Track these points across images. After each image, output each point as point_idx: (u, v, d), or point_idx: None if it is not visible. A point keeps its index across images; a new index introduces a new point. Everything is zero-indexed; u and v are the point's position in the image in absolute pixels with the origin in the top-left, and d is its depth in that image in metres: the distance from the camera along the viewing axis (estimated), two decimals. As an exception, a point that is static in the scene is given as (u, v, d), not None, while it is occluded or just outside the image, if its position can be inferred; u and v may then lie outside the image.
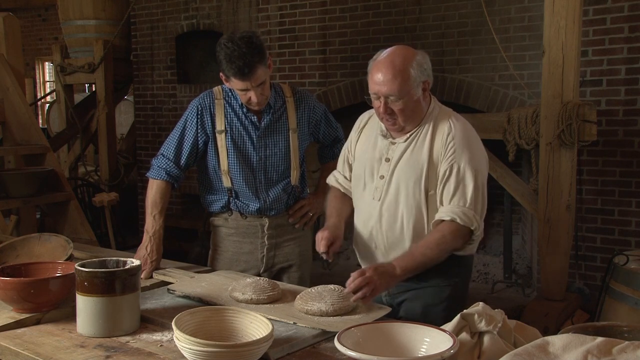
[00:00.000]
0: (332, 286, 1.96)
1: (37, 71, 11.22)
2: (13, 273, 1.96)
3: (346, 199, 2.38)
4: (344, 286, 1.95)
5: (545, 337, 1.36)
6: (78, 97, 7.24)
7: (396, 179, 2.13)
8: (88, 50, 6.40)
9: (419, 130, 2.13)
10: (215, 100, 2.58)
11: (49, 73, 11.30)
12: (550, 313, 3.68)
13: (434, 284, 2.16)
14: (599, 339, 1.30)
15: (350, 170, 2.36)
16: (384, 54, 2.09)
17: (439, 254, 2.04)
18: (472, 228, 2.05)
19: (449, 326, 1.52)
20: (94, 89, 6.76)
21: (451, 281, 2.19)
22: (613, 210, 4.25)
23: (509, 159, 3.97)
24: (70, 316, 1.87)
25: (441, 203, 2.09)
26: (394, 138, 2.17)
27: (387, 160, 2.17)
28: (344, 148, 2.42)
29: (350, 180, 2.36)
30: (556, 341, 1.32)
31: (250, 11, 5.65)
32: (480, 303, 1.55)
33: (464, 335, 1.49)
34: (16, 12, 8.23)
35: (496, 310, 1.54)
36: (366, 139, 2.28)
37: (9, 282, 1.85)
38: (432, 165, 2.09)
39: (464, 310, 1.53)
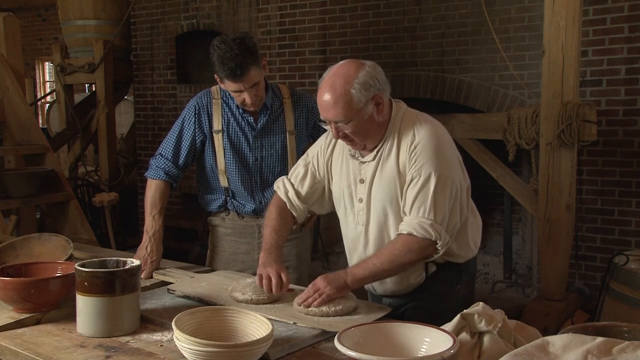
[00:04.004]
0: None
1: (37, 71, 11.22)
2: (13, 273, 1.96)
3: (287, 221, 2.22)
4: None
5: (545, 337, 1.35)
6: (78, 97, 7.24)
7: (374, 200, 2.05)
8: (88, 50, 6.41)
9: (384, 145, 2.03)
10: (213, 100, 2.58)
11: (49, 73, 11.29)
12: (550, 313, 3.68)
13: (435, 292, 2.13)
14: (599, 339, 1.30)
15: (310, 187, 2.21)
16: (327, 73, 1.97)
17: (390, 266, 1.96)
18: (432, 240, 1.94)
19: (449, 326, 1.52)
20: (94, 89, 6.76)
21: (454, 288, 2.16)
22: (613, 210, 4.25)
23: (509, 159, 3.97)
24: (70, 316, 1.87)
25: (404, 213, 2.00)
26: (362, 157, 2.07)
27: (362, 181, 2.07)
28: (303, 160, 2.26)
29: (301, 199, 2.22)
30: (556, 341, 1.32)
31: (250, 11, 5.65)
32: (480, 303, 1.55)
33: (464, 335, 1.49)
34: (16, 12, 8.24)
35: (496, 310, 1.54)
36: (337, 158, 2.17)
37: (9, 282, 1.85)
38: (402, 179, 2.01)
39: (464, 310, 1.53)
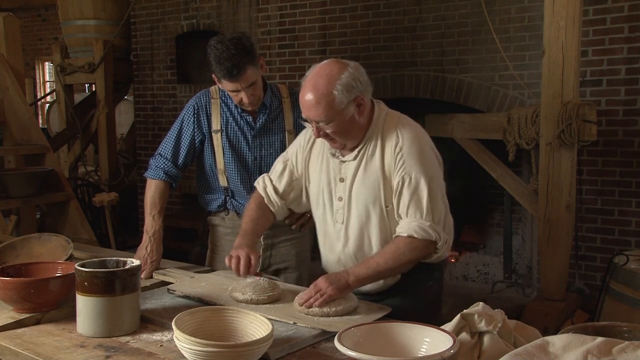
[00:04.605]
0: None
1: (37, 71, 11.21)
2: (13, 273, 1.96)
3: (266, 214, 2.27)
4: None
5: (545, 337, 1.35)
6: (78, 97, 7.25)
7: (355, 199, 2.06)
8: (88, 50, 6.41)
9: (366, 145, 2.05)
10: (212, 100, 2.59)
11: (49, 73, 11.29)
12: (550, 313, 3.68)
13: (408, 290, 2.13)
14: (599, 339, 1.30)
15: (287, 184, 2.25)
16: (310, 72, 1.99)
17: (393, 265, 1.98)
18: (433, 240, 1.98)
19: (449, 326, 1.52)
20: (94, 89, 6.76)
21: (425, 286, 2.17)
22: (613, 210, 4.25)
23: (509, 159, 3.97)
24: (70, 316, 1.87)
25: (399, 216, 2.02)
26: (343, 156, 2.08)
27: (342, 180, 2.09)
28: (282, 157, 2.30)
29: (279, 194, 2.25)
30: (556, 341, 1.32)
31: (250, 11, 5.65)
32: (480, 303, 1.55)
33: (464, 335, 1.49)
34: (16, 12, 8.24)
35: (496, 310, 1.54)
36: (316, 157, 2.19)
37: (9, 282, 1.85)
38: (387, 180, 2.02)
39: (464, 310, 1.53)
